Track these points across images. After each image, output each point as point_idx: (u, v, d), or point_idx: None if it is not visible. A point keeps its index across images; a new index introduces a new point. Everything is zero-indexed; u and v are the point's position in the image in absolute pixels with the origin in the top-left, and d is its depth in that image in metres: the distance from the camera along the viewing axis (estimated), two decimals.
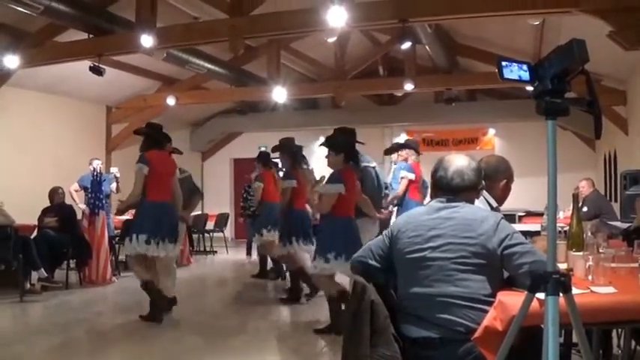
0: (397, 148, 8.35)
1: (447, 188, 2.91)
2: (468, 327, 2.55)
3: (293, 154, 7.56)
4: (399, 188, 7.89)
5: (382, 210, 7.13)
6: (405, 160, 8.10)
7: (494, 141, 15.25)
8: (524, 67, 2.05)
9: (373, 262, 2.95)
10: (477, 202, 3.29)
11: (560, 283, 1.96)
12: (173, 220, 6.59)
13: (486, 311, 2.51)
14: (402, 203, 7.88)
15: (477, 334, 2.40)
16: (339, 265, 5.68)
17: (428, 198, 7.61)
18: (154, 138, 6.69)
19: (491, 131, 15.25)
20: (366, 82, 13.38)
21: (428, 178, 3.67)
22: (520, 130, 14.08)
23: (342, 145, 5.96)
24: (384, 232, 3.07)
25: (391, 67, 14.13)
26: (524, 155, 11.93)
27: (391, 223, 3.33)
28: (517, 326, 2.07)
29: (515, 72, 2.05)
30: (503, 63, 2.06)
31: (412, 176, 7.91)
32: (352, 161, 6.00)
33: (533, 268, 2.46)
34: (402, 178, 7.95)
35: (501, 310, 2.31)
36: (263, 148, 12.38)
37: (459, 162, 2.95)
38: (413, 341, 2.67)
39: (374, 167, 6.99)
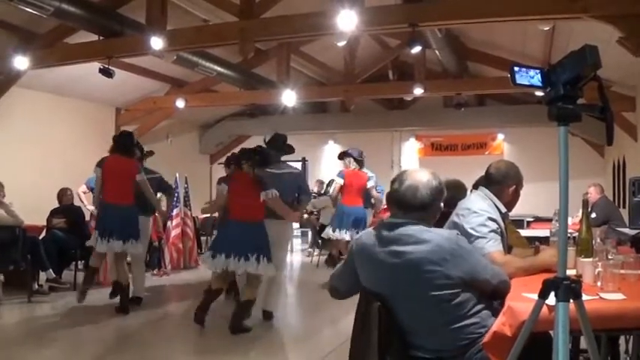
0: (340, 156, 9.47)
1: (396, 204, 2.71)
2: (459, 344, 2.58)
3: (236, 161, 7.70)
4: (331, 191, 9.58)
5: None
6: (346, 168, 9.24)
7: (503, 146, 15.23)
8: (537, 72, 2.05)
9: (346, 291, 2.89)
10: (485, 206, 3.26)
11: (571, 290, 1.96)
12: (130, 220, 6.90)
13: (473, 324, 2.57)
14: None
15: (485, 339, 2.39)
16: (228, 264, 5.98)
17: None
18: (118, 144, 7.02)
19: (500, 136, 15.23)
20: (376, 86, 13.36)
21: None
22: (529, 136, 14.06)
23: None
24: (346, 258, 2.93)
25: (401, 71, 14.13)
26: (533, 160, 11.90)
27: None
28: (527, 332, 2.07)
29: (527, 78, 2.05)
30: (516, 68, 2.06)
31: (341, 181, 9.12)
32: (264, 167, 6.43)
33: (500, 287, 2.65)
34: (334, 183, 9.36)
35: (511, 316, 2.31)
36: None
37: (417, 176, 2.71)
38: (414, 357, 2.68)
39: (291, 173, 7.09)
